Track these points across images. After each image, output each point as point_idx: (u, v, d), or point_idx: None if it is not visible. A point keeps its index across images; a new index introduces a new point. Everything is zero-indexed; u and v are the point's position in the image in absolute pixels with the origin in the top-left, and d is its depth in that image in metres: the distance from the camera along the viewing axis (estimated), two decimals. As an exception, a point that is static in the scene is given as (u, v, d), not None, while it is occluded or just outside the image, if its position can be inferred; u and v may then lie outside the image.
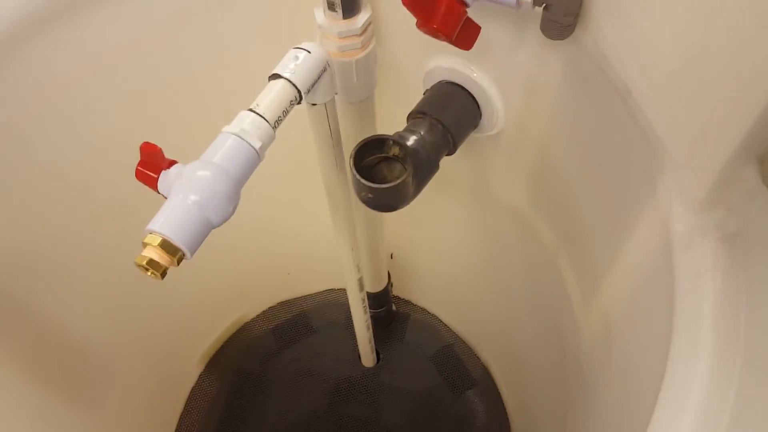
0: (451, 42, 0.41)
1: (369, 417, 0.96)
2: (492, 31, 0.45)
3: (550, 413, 0.74)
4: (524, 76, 0.47)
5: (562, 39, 0.41)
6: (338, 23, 0.46)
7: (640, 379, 0.40)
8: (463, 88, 0.52)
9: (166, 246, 0.34)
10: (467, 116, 0.52)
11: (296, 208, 0.87)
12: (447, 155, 0.52)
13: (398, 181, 0.45)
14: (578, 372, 0.58)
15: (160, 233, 0.34)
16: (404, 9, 0.39)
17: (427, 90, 0.54)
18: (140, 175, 0.39)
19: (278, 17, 0.58)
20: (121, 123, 0.59)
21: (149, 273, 0.34)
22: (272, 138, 0.40)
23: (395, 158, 0.48)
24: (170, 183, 0.37)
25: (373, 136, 0.47)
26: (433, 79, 0.53)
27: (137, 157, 0.39)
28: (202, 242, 0.36)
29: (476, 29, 0.43)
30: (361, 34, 0.47)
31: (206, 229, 0.36)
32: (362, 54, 0.49)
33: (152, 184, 0.39)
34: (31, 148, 0.54)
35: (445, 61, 0.51)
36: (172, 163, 0.39)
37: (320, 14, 0.47)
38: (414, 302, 1.06)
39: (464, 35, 0.42)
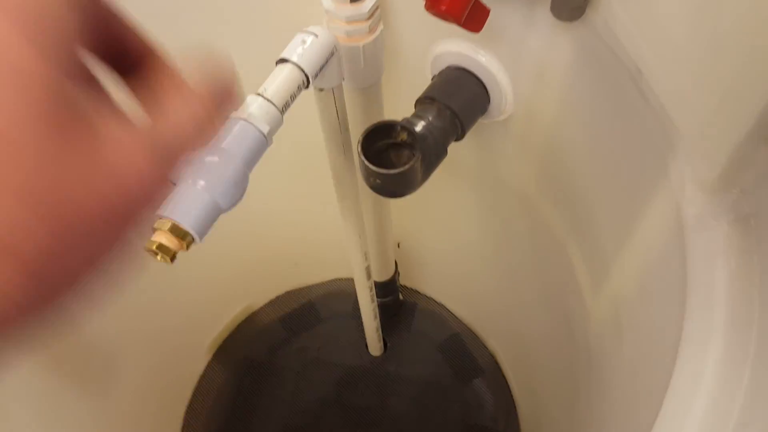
0: (459, 24, 0.41)
1: (376, 405, 0.96)
2: (501, 13, 0.45)
3: (558, 401, 0.74)
4: (534, 59, 0.47)
5: (572, 20, 0.40)
6: (345, 7, 0.46)
7: (651, 364, 0.40)
8: (471, 73, 0.51)
9: (176, 230, 0.34)
10: (476, 101, 0.52)
11: (304, 198, 0.87)
12: (455, 141, 0.52)
13: (406, 166, 0.45)
14: (587, 358, 0.58)
15: (169, 218, 0.34)
16: (412, -8, 0.39)
17: (435, 75, 0.54)
18: (148, 161, 0.39)
19: (285, 1, 0.58)
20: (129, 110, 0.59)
21: (159, 257, 0.34)
22: (280, 123, 0.39)
23: (403, 144, 0.48)
24: (179, 169, 0.37)
25: (381, 121, 0.46)
26: (441, 65, 0.53)
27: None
28: (210, 227, 0.36)
29: (485, 11, 0.42)
30: (368, 19, 0.47)
31: (215, 213, 0.36)
32: (370, 39, 0.48)
33: (160, 169, 0.38)
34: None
35: (454, 46, 0.51)
36: (180, 148, 0.39)
37: (327, -2, 0.46)
38: (421, 291, 1.06)
39: (473, 17, 0.42)
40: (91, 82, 0.21)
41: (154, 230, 0.35)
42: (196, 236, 0.35)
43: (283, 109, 0.39)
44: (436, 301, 1.05)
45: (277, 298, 1.07)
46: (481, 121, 0.54)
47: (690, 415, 0.31)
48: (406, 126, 0.47)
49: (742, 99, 0.31)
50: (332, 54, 0.43)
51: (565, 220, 0.57)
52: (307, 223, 0.91)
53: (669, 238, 0.38)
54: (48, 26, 0.16)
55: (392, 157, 0.48)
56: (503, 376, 0.98)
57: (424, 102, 0.50)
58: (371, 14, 0.47)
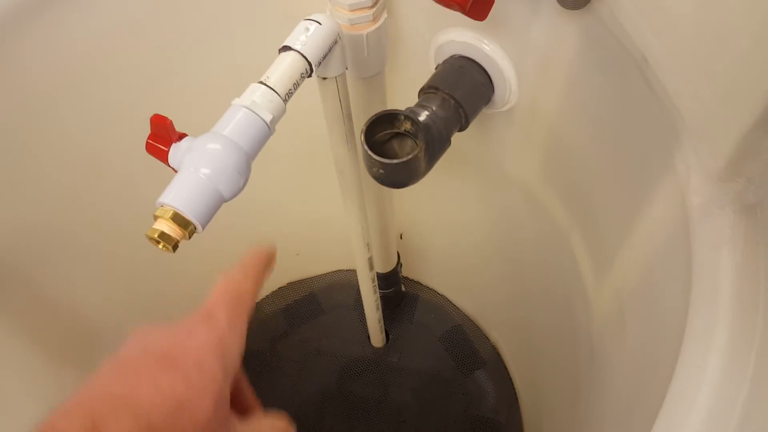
0: (464, 12, 0.41)
1: (378, 397, 0.96)
2: (506, 2, 0.44)
3: (560, 392, 0.74)
4: (539, 48, 0.47)
5: (577, 8, 0.40)
6: (349, -6, 0.46)
7: (654, 355, 0.40)
8: (475, 62, 0.51)
9: (178, 219, 0.34)
10: (480, 91, 0.52)
11: (306, 188, 0.86)
12: (459, 131, 0.51)
13: (410, 156, 0.45)
14: (590, 350, 0.58)
15: (171, 206, 0.34)
16: (416, -21, 0.39)
17: (438, 65, 0.53)
18: (150, 148, 0.39)
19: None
20: (131, 97, 0.59)
21: (161, 246, 0.34)
22: (283, 111, 0.39)
23: (407, 134, 0.47)
24: (181, 156, 0.37)
25: (384, 111, 0.46)
26: (445, 54, 0.53)
27: (148, 131, 0.39)
28: (213, 216, 0.36)
29: (490, -1, 0.42)
30: (372, 6, 0.46)
31: (217, 202, 0.36)
32: (373, 27, 0.48)
33: (162, 157, 0.38)
34: (43, 123, 0.54)
35: (458, 35, 0.50)
36: (183, 136, 0.38)
37: (330, -15, 0.46)
38: (423, 283, 1.06)
39: (478, 5, 0.41)
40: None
41: (156, 218, 0.34)
42: (198, 225, 0.35)
43: (286, 97, 0.39)
44: (438, 293, 1.05)
45: (279, 289, 1.07)
46: (485, 111, 0.54)
47: (694, 407, 0.31)
48: (410, 115, 0.46)
49: (748, 88, 0.31)
50: (336, 42, 0.43)
51: (569, 211, 0.57)
52: (309, 214, 0.90)
53: (674, 228, 0.38)
54: (229, 363, 0.30)
55: (395, 146, 0.48)
56: (505, 368, 0.98)
57: (427, 91, 0.50)
58: (375, 2, 0.46)
